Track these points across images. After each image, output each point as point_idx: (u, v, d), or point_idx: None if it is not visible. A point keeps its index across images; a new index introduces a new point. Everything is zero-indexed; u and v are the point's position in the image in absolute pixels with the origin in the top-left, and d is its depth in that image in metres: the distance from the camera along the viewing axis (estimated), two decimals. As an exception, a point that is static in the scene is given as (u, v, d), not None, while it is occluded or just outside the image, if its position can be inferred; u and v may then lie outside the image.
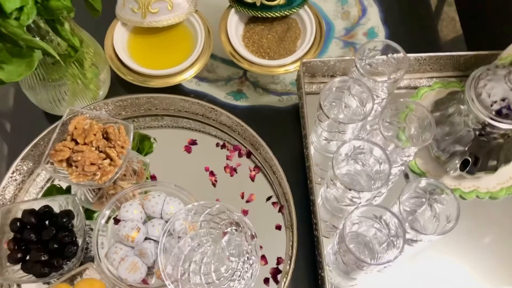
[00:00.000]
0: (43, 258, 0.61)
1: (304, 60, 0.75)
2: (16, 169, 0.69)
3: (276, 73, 0.78)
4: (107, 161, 0.64)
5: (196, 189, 0.67)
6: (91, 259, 0.65)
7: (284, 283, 0.65)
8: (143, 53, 0.79)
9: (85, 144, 0.64)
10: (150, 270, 0.63)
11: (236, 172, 0.74)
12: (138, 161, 0.72)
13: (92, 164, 0.63)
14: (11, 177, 0.68)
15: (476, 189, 0.71)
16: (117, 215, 0.66)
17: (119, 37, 0.78)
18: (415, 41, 0.88)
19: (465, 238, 0.69)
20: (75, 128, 0.64)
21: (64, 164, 0.64)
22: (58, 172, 0.65)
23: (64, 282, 0.60)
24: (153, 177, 0.73)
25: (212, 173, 0.73)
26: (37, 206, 0.65)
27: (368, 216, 0.60)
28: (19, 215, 0.64)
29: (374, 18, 0.90)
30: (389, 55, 0.69)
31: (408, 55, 0.68)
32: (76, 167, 0.63)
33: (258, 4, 0.77)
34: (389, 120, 0.67)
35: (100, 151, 0.65)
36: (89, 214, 0.70)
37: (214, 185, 0.73)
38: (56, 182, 0.72)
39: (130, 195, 0.67)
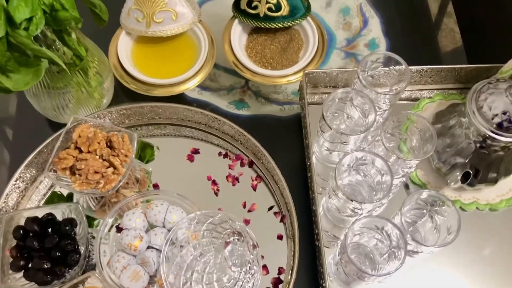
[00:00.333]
0: (45, 266, 0.61)
1: (306, 71, 0.76)
2: (20, 177, 0.69)
3: (278, 83, 0.78)
4: (111, 169, 0.64)
5: (198, 198, 0.67)
6: (93, 267, 0.66)
7: (286, 293, 0.65)
8: (147, 62, 0.80)
9: (89, 152, 0.65)
10: (152, 279, 0.63)
11: (238, 182, 0.74)
12: (140, 169, 0.73)
13: (95, 172, 0.63)
14: (15, 184, 0.69)
15: (476, 201, 0.72)
16: (119, 224, 0.67)
17: (123, 46, 0.79)
18: (416, 52, 0.89)
19: (465, 249, 0.69)
20: (79, 136, 0.65)
21: (68, 172, 0.64)
22: (61, 179, 0.65)
23: (66, 290, 0.60)
24: (155, 186, 0.73)
25: (214, 182, 0.74)
26: (40, 213, 0.65)
27: (370, 227, 0.61)
28: (22, 223, 0.64)
29: (375, 29, 0.91)
30: (391, 67, 0.70)
31: (410, 67, 0.69)
32: (80, 175, 0.63)
33: (261, 15, 0.77)
34: (390, 131, 0.68)
35: (104, 160, 0.65)
36: (90, 221, 0.70)
37: (216, 194, 0.73)
38: (57, 189, 0.73)
39: (133, 203, 0.68)
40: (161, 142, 0.77)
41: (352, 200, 0.61)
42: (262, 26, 0.78)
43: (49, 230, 0.65)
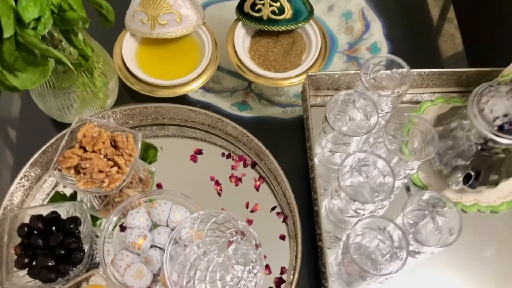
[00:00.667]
0: (49, 264, 0.62)
1: (309, 73, 0.76)
2: (24, 175, 0.70)
3: (281, 86, 0.79)
4: (115, 168, 0.65)
5: (201, 198, 0.68)
6: (97, 266, 0.66)
7: (288, 292, 0.65)
8: (151, 64, 0.81)
9: (93, 151, 0.65)
10: (155, 278, 0.64)
11: (241, 182, 0.75)
12: (144, 169, 0.73)
13: (100, 171, 0.64)
14: (19, 183, 0.69)
15: (477, 203, 0.72)
16: (123, 223, 0.67)
17: (127, 47, 0.80)
18: (417, 56, 0.89)
19: (466, 251, 0.70)
20: (84, 136, 0.65)
21: (72, 171, 0.65)
22: (66, 178, 0.65)
23: (70, 288, 0.61)
24: (159, 186, 0.74)
25: (217, 183, 0.74)
26: (44, 212, 0.66)
27: (372, 227, 0.61)
28: (27, 221, 0.64)
29: (377, 33, 0.92)
30: (393, 70, 0.70)
31: (412, 70, 0.70)
32: (84, 174, 0.64)
33: (265, 18, 0.78)
34: (392, 133, 0.69)
35: (108, 159, 0.65)
36: (93, 221, 0.70)
37: (219, 194, 0.74)
38: (60, 189, 0.73)
39: (136, 203, 0.68)
40: (165, 142, 0.78)
41: (354, 201, 0.61)
42: (265, 29, 0.79)
43: (54, 228, 0.65)
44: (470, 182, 0.67)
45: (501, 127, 0.63)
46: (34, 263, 0.63)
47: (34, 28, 0.53)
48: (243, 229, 0.62)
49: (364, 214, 0.64)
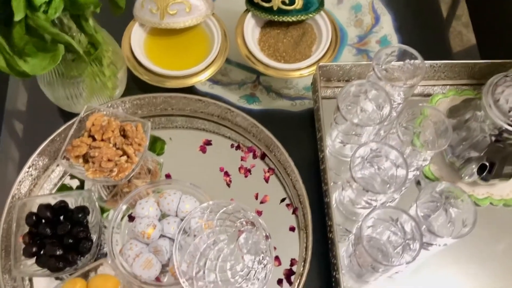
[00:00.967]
0: (57, 253, 0.61)
1: (320, 64, 0.76)
2: (32, 164, 0.69)
3: (291, 77, 0.78)
4: (124, 158, 0.64)
5: (210, 188, 0.67)
6: (105, 256, 0.65)
7: (298, 284, 0.64)
8: (159, 54, 0.80)
9: (102, 140, 0.64)
10: (164, 268, 0.63)
11: (251, 173, 0.74)
12: (152, 160, 0.73)
13: (109, 160, 0.63)
14: (27, 171, 0.69)
15: (490, 196, 0.72)
16: (131, 213, 0.67)
17: (136, 37, 0.79)
18: (428, 49, 0.88)
19: (479, 245, 0.69)
20: (93, 125, 0.65)
21: (81, 160, 0.64)
22: (74, 167, 0.65)
23: (79, 277, 0.60)
24: (167, 176, 0.73)
25: (226, 174, 0.73)
26: (52, 201, 0.65)
27: (385, 218, 0.61)
28: (35, 209, 0.64)
29: (387, 26, 0.91)
30: (406, 61, 0.69)
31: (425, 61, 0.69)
32: (93, 163, 0.63)
33: (275, 8, 0.77)
34: (405, 124, 0.68)
35: (117, 148, 0.65)
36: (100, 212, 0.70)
37: (228, 185, 0.73)
38: (66, 182, 0.72)
39: (145, 193, 0.68)
40: (173, 134, 0.77)
41: (367, 191, 0.60)
42: (276, 19, 0.79)
43: (62, 217, 0.64)
44: (484, 174, 0.67)
45: (516, 117, 0.62)
46: (42, 252, 0.62)
47: (45, 12, 0.52)
48: (253, 220, 0.62)
49: (376, 205, 0.64)
